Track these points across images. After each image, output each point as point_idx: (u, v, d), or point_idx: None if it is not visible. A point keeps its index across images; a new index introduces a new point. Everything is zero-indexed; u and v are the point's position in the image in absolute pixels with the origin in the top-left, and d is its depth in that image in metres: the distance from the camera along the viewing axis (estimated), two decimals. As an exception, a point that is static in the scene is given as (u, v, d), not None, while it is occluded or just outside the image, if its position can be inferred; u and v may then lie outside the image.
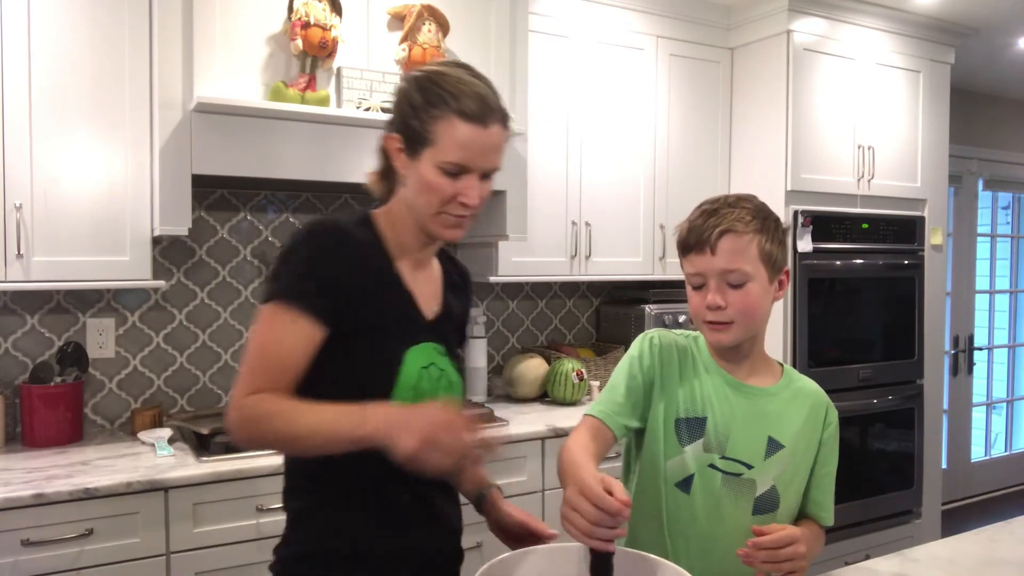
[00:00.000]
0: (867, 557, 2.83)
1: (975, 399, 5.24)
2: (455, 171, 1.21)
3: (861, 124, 3.44)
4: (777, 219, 1.34)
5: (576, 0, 3.03)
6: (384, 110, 2.39)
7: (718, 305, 1.29)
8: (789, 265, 1.28)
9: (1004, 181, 5.26)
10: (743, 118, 3.42)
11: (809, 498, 1.39)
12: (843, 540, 3.37)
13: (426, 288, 1.34)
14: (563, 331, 3.47)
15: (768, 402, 1.36)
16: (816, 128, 3.31)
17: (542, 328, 3.41)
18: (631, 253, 3.21)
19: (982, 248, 5.25)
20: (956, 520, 4.42)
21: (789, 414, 1.37)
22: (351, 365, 1.22)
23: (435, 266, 1.40)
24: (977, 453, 5.30)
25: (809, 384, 1.43)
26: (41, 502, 1.90)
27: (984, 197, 5.24)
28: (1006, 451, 5.52)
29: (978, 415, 5.33)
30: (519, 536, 1.35)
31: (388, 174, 1.34)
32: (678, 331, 1.44)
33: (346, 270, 1.21)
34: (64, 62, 2.17)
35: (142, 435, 2.39)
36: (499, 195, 2.71)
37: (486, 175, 1.25)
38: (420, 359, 1.27)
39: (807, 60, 3.28)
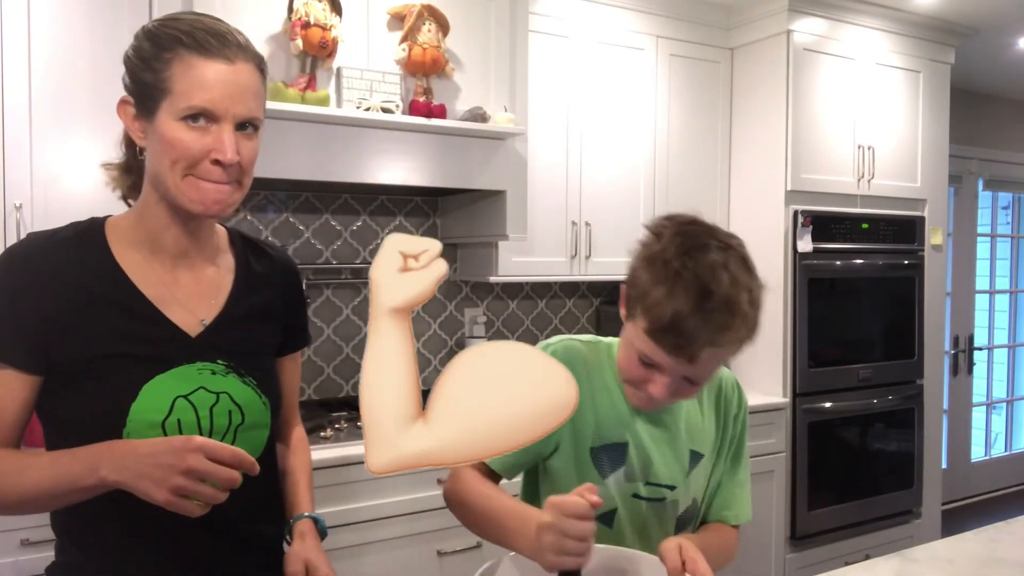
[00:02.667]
0: (867, 557, 2.83)
1: (975, 399, 5.24)
2: (199, 117, 1.00)
3: (861, 124, 3.44)
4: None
5: (576, 0, 3.03)
6: (384, 110, 2.39)
7: (662, 398, 1.10)
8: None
9: (1004, 181, 5.26)
10: (743, 118, 3.42)
11: (721, 501, 1.27)
12: (843, 540, 3.37)
13: (194, 291, 1.11)
14: (563, 331, 3.47)
15: (680, 408, 1.22)
16: (816, 128, 3.31)
17: (542, 328, 3.40)
18: (631, 253, 3.20)
19: (982, 248, 5.25)
20: (956, 520, 4.41)
21: (701, 415, 1.24)
22: (73, 410, 1.04)
23: (223, 261, 1.17)
24: (977, 453, 5.30)
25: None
26: (41, 502, 1.90)
27: (984, 197, 5.24)
28: (1006, 451, 5.52)
29: (978, 415, 5.33)
30: None
31: (132, 164, 1.13)
32: (583, 337, 1.24)
33: (41, 300, 1.02)
34: (64, 62, 2.16)
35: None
36: (499, 195, 2.71)
37: (244, 126, 1.04)
38: (173, 388, 1.04)
39: (807, 60, 3.28)
